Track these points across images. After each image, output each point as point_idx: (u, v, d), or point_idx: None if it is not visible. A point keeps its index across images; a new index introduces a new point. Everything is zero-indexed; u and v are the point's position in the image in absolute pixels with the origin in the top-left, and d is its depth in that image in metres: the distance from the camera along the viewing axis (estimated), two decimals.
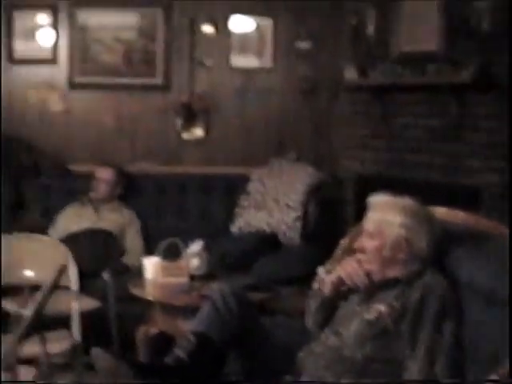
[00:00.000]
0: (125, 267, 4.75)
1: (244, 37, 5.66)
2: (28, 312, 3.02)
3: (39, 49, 5.58)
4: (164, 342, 3.82)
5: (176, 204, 5.35)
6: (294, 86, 5.72)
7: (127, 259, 4.90)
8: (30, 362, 3.35)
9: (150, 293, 3.91)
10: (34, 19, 5.57)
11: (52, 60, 5.57)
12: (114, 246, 4.86)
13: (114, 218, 5.07)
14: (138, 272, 4.24)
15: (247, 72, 5.69)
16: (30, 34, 5.58)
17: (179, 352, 2.76)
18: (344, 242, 3.25)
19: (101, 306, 4.15)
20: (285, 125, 5.73)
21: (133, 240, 5.04)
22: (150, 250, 4.66)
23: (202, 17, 5.58)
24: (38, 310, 2.97)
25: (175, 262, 3.99)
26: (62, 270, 3.16)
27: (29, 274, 3.71)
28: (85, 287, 3.79)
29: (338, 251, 3.24)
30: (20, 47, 5.57)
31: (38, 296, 3.01)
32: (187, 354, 2.74)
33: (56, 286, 3.05)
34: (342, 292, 2.92)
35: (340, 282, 2.89)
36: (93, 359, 2.71)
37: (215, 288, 3.03)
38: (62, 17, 5.54)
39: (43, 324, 3.08)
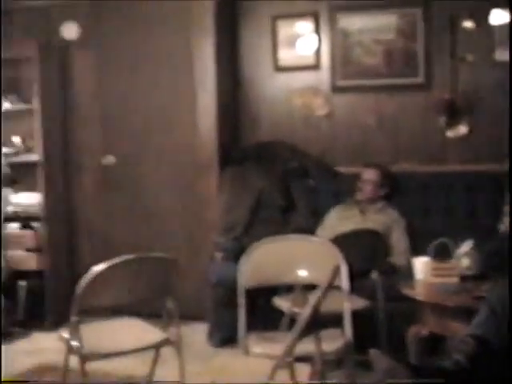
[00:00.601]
0: (392, 267, 4.78)
1: (505, 30, 5.47)
2: (305, 311, 3.15)
3: (302, 55, 5.78)
4: (435, 343, 3.81)
5: (442, 203, 5.27)
6: None
7: (393, 259, 4.93)
8: (305, 359, 3.48)
9: (420, 293, 3.92)
10: (295, 27, 5.77)
11: (315, 66, 5.75)
12: (381, 246, 4.90)
13: (380, 218, 5.11)
14: (406, 272, 4.27)
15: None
16: (292, 41, 5.79)
17: (458, 355, 2.74)
18: None
19: (370, 306, 4.23)
20: None
21: (398, 240, 5.05)
22: (416, 250, 4.66)
23: (462, 13, 5.47)
24: (315, 309, 3.09)
25: (445, 263, 3.97)
26: (337, 271, 3.26)
27: (302, 273, 3.85)
28: (354, 287, 3.87)
29: None
30: (284, 55, 5.82)
31: (314, 296, 3.13)
32: (466, 357, 2.71)
33: (330, 286, 3.16)
34: None
35: None
36: (371, 360, 2.77)
37: (492, 290, 2.97)
38: (323, 23, 5.70)
39: (318, 323, 3.19)
